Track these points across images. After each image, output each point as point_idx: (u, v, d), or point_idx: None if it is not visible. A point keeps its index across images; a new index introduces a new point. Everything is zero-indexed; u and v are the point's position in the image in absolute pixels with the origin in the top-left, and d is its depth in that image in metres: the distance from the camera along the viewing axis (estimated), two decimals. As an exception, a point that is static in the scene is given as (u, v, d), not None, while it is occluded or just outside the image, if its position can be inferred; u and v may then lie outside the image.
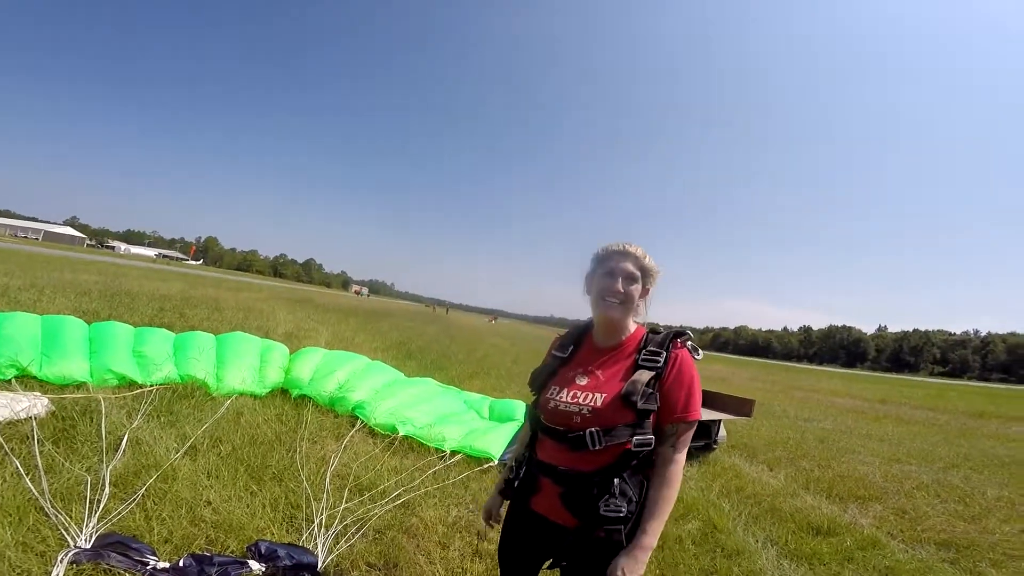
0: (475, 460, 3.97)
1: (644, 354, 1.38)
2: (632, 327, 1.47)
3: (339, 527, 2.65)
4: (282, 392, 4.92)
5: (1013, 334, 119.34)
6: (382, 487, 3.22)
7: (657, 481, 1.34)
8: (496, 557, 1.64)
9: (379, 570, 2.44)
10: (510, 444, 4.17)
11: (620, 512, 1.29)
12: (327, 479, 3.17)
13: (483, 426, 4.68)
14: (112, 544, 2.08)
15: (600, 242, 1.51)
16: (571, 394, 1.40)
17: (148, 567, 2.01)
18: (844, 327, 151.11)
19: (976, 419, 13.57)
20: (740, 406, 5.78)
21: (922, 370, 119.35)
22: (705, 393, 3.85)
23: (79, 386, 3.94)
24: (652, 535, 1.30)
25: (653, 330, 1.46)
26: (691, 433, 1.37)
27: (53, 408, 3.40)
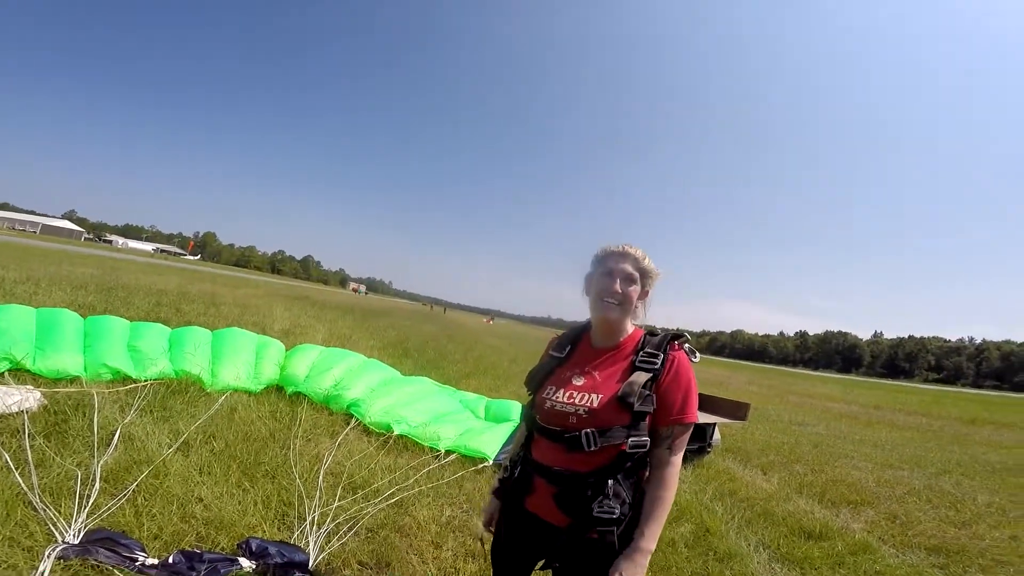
0: (470, 460, 3.96)
1: (641, 356, 1.38)
2: (630, 329, 1.47)
3: (331, 525, 2.64)
4: (277, 389, 4.90)
5: (1008, 342, 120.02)
6: (376, 486, 3.21)
7: (653, 483, 1.34)
8: (489, 558, 1.64)
9: (371, 569, 2.43)
10: (505, 444, 4.16)
11: (613, 513, 1.29)
12: (320, 477, 3.16)
13: (478, 426, 4.68)
14: (101, 540, 2.07)
15: (598, 243, 1.51)
16: (567, 394, 1.39)
17: (137, 563, 2.00)
18: (840, 333, 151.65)
19: (969, 425, 13.63)
20: (735, 410, 5.80)
21: (917, 376, 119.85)
22: (700, 396, 3.86)
23: (73, 380, 3.92)
24: (651, 538, 1.30)
25: (651, 332, 1.46)
26: (687, 436, 1.37)
27: (45, 402, 3.38)
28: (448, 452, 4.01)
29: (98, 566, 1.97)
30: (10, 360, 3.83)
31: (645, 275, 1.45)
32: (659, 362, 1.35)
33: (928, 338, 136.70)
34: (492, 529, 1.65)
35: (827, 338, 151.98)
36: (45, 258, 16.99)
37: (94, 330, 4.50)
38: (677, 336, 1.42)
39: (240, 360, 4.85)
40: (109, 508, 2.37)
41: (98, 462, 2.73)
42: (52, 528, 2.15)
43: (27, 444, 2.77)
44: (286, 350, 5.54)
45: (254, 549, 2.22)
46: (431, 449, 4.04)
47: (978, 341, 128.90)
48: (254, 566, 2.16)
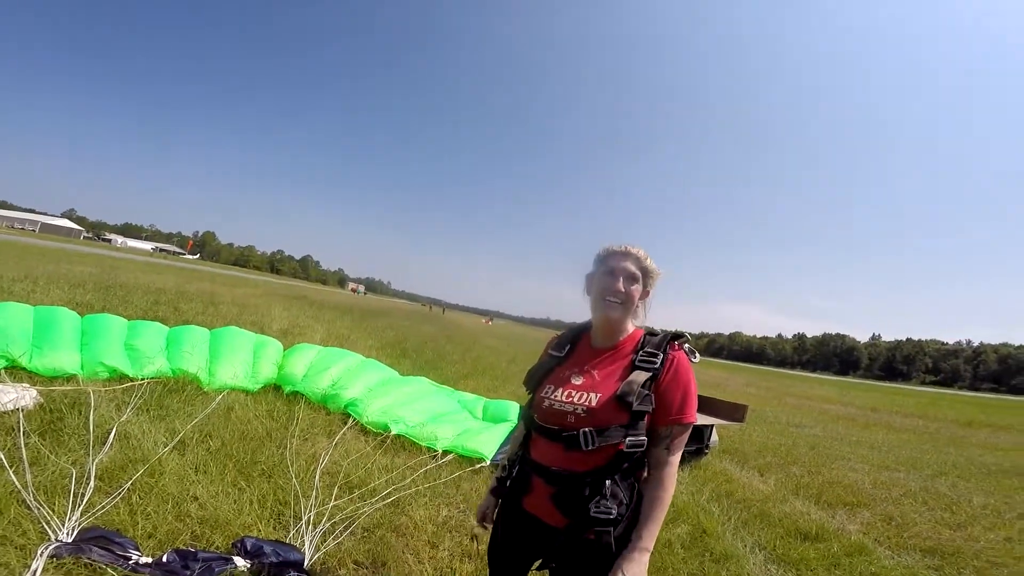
0: (467, 460, 3.96)
1: (641, 355, 1.38)
2: (630, 328, 1.47)
3: (327, 525, 2.64)
4: (275, 388, 4.89)
5: (1005, 344, 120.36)
6: (372, 485, 3.21)
7: (652, 484, 1.34)
8: (486, 558, 1.63)
9: (366, 568, 2.43)
10: (503, 445, 4.16)
11: (610, 514, 1.29)
12: (317, 476, 3.16)
13: (476, 426, 4.68)
14: (94, 538, 2.06)
15: (598, 243, 1.52)
16: (566, 393, 1.39)
17: (131, 562, 1.99)
18: (838, 335, 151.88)
19: (965, 428, 13.67)
20: (733, 411, 5.80)
21: (914, 379, 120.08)
22: (698, 398, 3.86)
23: (69, 378, 3.91)
24: (649, 538, 1.30)
25: (651, 332, 1.46)
26: (686, 436, 1.36)
27: (41, 400, 3.37)
28: (445, 452, 4.00)
29: (91, 565, 1.96)
30: (7, 358, 3.81)
31: (647, 274, 1.45)
32: (659, 361, 1.35)
33: (926, 341, 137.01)
34: (486, 525, 1.64)
35: (825, 340, 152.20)
36: (43, 256, 16.95)
37: (91, 328, 4.49)
38: (677, 336, 1.42)
39: (238, 359, 4.84)
40: (103, 506, 2.36)
41: (93, 460, 2.72)
42: (45, 526, 2.14)
43: (22, 442, 2.76)
44: (284, 349, 5.53)
45: (249, 548, 2.21)
46: (428, 449, 4.04)
47: (975, 344, 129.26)
48: (249, 565, 2.16)
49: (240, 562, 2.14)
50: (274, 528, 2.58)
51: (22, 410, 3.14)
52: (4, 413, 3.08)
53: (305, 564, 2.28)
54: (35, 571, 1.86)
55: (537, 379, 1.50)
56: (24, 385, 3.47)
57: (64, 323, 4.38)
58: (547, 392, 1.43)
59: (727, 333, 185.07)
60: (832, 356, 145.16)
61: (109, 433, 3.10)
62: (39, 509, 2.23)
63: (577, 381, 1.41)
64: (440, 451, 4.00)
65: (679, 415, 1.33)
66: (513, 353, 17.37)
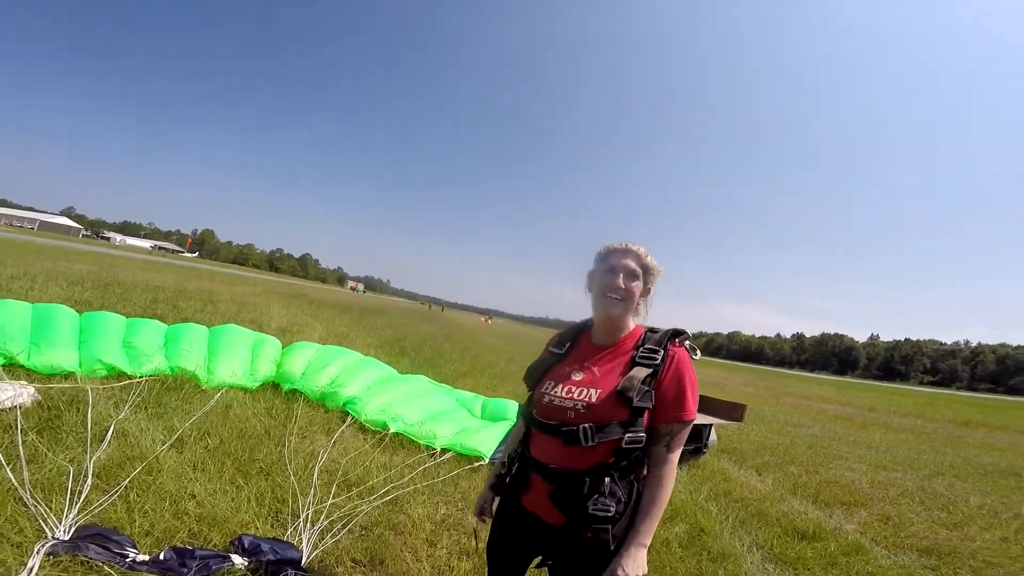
0: (465, 458, 3.96)
1: (642, 352, 1.37)
2: (631, 326, 1.47)
3: (325, 523, 2.64)
4: (273, 386, 4.89)
5: (1003, 345, 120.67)
6: (371, 483, 3.21)
7: (651, 481, 1.34)
8: (484, 555, 1.63)
9: (364, 566, 2.43)
10: (501, 443, 4.17)
11: (608, 512, 1.29)
12: (315, 474, 3.16)
13: (474, 424, 4.68)
14: (91, 536, 2.06)
15: (598, 243, 1.52)
16: (566, 389, 1.39)
17: (127, 560, 1.99)
18: (836, 335, 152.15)
19: (962, 428, 13.70)
20: (731, 410, 5.81)
21: (912, 379, 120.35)
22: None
23: (67, 376, 3.90)
24: (647, 534, 1.30)
25: (651, 330, 1.46)
26: (686, 433, 1.36)
27: (39, 398, 3.37)
28: (444, 450, 4.01)
29: (88, 562, 1.96)
30: (5, 355, 3.81)
31: (648, 272, 1.45)
32: (659, 358, 1.35)
33: (924, 341, 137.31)
34: (484, 519, 1.64)
35: (823, 340, 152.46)
36: (42, 254, 16.92)
37: (90, 326, 4.48)
38: (678, 333, 1.42)
39: (236, 357, 4.83)
40: (101, 504, 2.36)
41: (91, 458, 2.72)
42: (43, 524, 2.14)
43: (19, 439, 2.75)
44: (283, 347, 5.53)
45: (246, 546, 2.21)
46: (427, 447, 4.04)
47: (973, 344, 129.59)
48: (246, 563, 2.15)
49: (238, 560, 2.14)
50: (272, 526, 2.58)
51: (20, 408, 3.13)
52: (2, 411, 3.07)
53: (303, 562, 2.28)
54: (32, 569, 1.86)
55: (537, 375, 1.50)
56: (22, 383, 3.47)
57: (62, 321, 4.37)
58: (547, 388, 1.43)
59: (726, 333, 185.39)
60: (830, 356, 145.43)
61: (107, 431, 3.09)
62: (36, 507, 2.23)
63: (577, 377, 1.41)
64: (438, 449, 4.00)
65: (679, 412, 1.33)
66: (512, 352, 17.38)
